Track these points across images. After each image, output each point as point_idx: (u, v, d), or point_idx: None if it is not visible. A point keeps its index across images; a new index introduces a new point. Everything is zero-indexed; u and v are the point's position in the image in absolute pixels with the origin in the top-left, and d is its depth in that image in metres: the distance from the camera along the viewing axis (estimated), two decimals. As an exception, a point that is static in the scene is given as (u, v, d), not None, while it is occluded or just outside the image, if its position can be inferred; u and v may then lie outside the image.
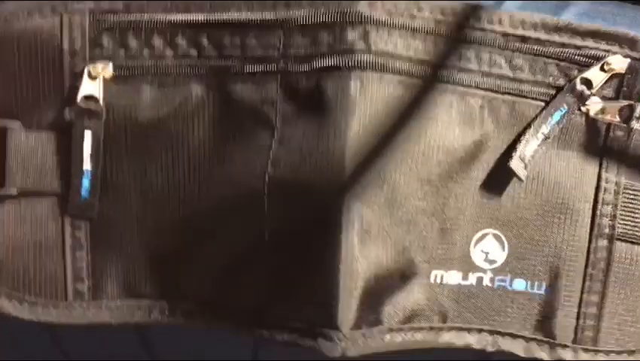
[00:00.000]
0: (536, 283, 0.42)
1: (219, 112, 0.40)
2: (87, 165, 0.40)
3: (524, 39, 0.39)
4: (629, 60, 0.39)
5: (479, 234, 0.41)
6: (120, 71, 0.39)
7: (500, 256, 0.41)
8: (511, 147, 0.40)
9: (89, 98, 0.39)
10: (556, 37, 0.39)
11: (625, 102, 0.39)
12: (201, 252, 0.42)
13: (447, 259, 0.41)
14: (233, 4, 0.39)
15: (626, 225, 0.41)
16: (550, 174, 0.41)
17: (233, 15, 0.39)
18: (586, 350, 0.42)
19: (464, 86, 0.39)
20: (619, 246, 0.41)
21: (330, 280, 0.39)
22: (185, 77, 0.40)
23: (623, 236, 0.41)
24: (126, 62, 0.39)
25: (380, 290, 0.40)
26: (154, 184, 0.41)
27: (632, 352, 0.42)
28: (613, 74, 0.39)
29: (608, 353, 0.42)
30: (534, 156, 0.39)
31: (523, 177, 0.39)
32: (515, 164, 0.39)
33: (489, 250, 0.41)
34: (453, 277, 0.41)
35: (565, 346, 0.42)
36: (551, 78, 0.40)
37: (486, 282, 0.42)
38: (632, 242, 0.41)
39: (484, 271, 0.42)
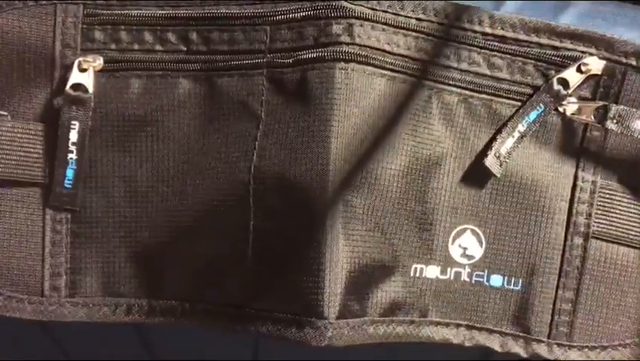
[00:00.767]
0: (512, 279, 0.43)
1: (206, 105, 0.40)
2: (72, 154, 0.40)
3: (503, 39, 0.40)
4: (604, 62, 0.40)
5: (457, 229, 0.42)
6: (110, 64, 0.40)
7: (477, 251, 0.42)
8: (488, 145, 0.41)
9: (78, 87, 0.39)
10: (534, 38, 0.40)
11: (600, 103, 0.40)
12: (186, 246, 0.42)
13: (427, 253, 0.42)
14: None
15: (601, 223, 0.42)
16: (528, 173, 0.41)
17: (220, 10, 0.39)
18: (560, 345, 0.43)
19: (443, 83, 0.40)
20: (594, 244, 0.42)
21: (315, 270, 0.39)
22: (174, 72, 0.40)
23: (598, 234, 0.42)
24: (116, 56, 0.40)
25: (364, 281, 0.41)
26: (139, 177, 0.41)
27: (604, 347, 0.43)
28: (589, 75, 0.40)
29: (581, 348, 0.43)
30: (511, 154, 0.40)
31: (498, 174, 0.40)
32: (490, 161, 0.40)
33: (467, 245, 0.42)
34: (432, 271, 0.42)
35: (540, 341, 0.43)
36: (529, 78, 0.40)
37: (464, 277, 0.42)
38: (607, 240, 0.42)
39: (462, 266, 0.42)
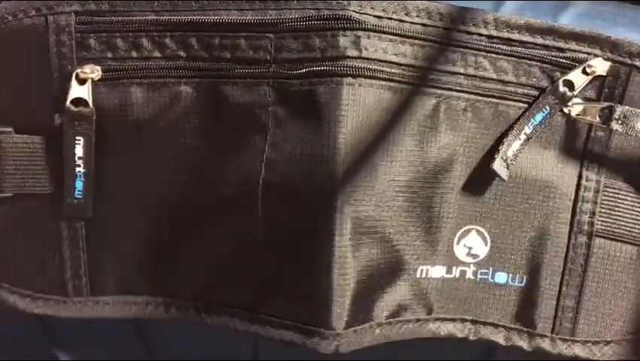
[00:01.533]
0: (517, 276, 0.43)
1: (211, 114, 0.40)
2: (80, 168, 0.40)
3: (509, 41, 0.40)
4: (609, 63, 0.40)
5: (463, 229, 0.42)
6: (109, 74, 0.39)
7: (482, 250, 0.42)
8: (494, 148, 0.41)
9: (78, 101, 0.39)
10: (539, 40, 0.40)
11: (605, 104, 0.40)
12: (193, 251, 0.42)
13: (433, 255, 0.42)
14: (222, 4, 0.38)
15: (604, 222, 0.42)
16: (532, 173, 0.41)
17: (221, 16, 0.38)
18: (563, 340, 0.44)
19: (451, 89, 0.40)
20: (597, 242, 0.42)
21: (324, 282, 0.40)
22: (175, 78, 0.39)
23: (601, 233, 0.42)
24: (114, 64, 0.39)
25: (371, 288, 0.41)
26: (146, 184, 0.41)
27: (607, 342, 0.44)
28: (595, 77, 0.40)
29: (585, 343, 0.44)
30: (517, 156, 0.40)
31: (505, 177, 0.40)
32: (497, 165, 0.40)
33: (472, 245, 0.42)
34: (438, 271, 0.42)
35: (544, 336, 0.44)
36: (535, 80, 0.40)
37: (469, 275, 0.43)
38: (610, 238, 0.42)
39: (467, 265, 0.43)
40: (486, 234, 0.42)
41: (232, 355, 0.49)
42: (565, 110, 0.40)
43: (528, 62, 0.40)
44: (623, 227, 0.42)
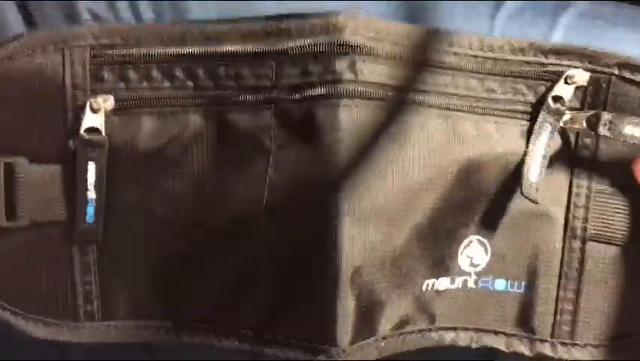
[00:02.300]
0: (516, 282, 0.44)
1: (217, 140, 0.41)
2: (91, 194, 0.41)
3: (493, 60, 0.41)
4: (589, 73, 0.41)
5: (465, 241, 0.43)
6: (121, 103, 0.41)
7: (483, 259, 0.44)
8: (501, 163, 0.42)
9: (91, 130, 0.40)
10: (521, 57, 0.41)
11: (591, 111, 0.41)
12: (201, 275, 0.43)
13: (439, 269, 0.43)
14: (226, 35, 0.40)
15: (597, 226, 0.43)
16: None
17: (226, 47, 0.40)
18: (563, 344, 0.45)
19: (449, 109, 0.41)
20: (591, 246, 0.44)
21: (329, 301, 0.40)
22: (183, 107, 0.41)
23: (595, 237, 0.44)
24: (126, 94, 0.41)
25: (375, 305, 0.42)
26: (156, 210, 0.42)
27: (607, 345, 0.45)
28: (577, 87, 0.42)
29: (584, 346, 0.45)
30: (541, 176, 0.41)
31: (537, 201, 0.41)
32: (527, 191, 0.41)
33: (473, 255, 0.43)
34: (443, 283, 0.43)
35: (544, 341, 0.45)
36: (522, 96, 0.42)
37: (471, 284, 0.44)
38: (604, 242, 0.44)
39: (469, 274, 0.44)
40: (486, 243, 0.43)
41: (232, 355, 0.49)
42: (558, 125, 0.42)
43: (513, 79, 0.42)
44: (616, 231, 0.43)
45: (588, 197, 0.43)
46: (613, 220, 0.44)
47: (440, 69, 0.41)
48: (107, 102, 0.40)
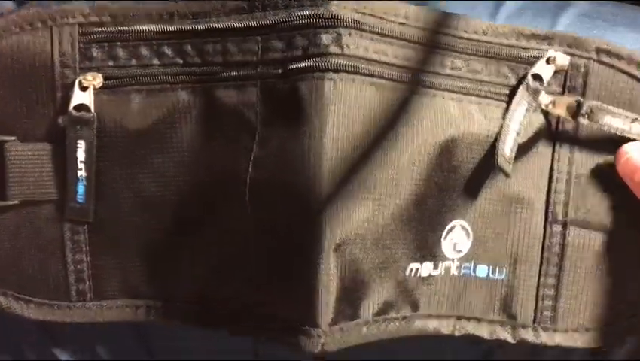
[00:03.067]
0: (497, 268, 0.44)
1: (204, 117, 0.41)
2: (81, 172, 0.42)
3: (477, 42, 0.42)
4: (569, 57, 0.43)
5: (449, 226, 0.43)
6: (110, 81, 0.41)
7: (465, 245, 0.44)
8: (483, 144, 0.42)
9: (80, 107, 0.41)
10: (504, 41, 0.42)
11: (572, 98, 0.42)
12: (190, 253, 0.43)
13: (422, 252, 0.43)
14: (213, 11, 0.40)
15: (577, 211, 0.44)
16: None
17: (213, 23, 0.40)
18: (545, 329, 0.45)
19: (433, 88, 0.41)
20: (572, 231, 0.44)
21: (310, 280, 0.40)
22: (172, 85, 0.41)
23: (575, 222, 0.44)
24: (115, 72, 0.41)
25: (358, 286, 0.42)
26: (146, 188, 0.42)
27: (588, 330, 0.45)
28: (558, 70, 0.43)
29: (566, 331, 0.45)
30: (513, 152, 0.42)
31: (509, 174, 0.41)
32: (501, 162, 0.41)
33: (457, 240, 0.43)
34: (426, 269, 0.43)
35: (526, 326, 0.45)
36: (504, 79, 0.43)
37: (453, 271, 0.44)
38: (584, 227, 0.44)
39: (452, 260, 0.44)
40: (468, 228, 0.43)
41: (232, 355, 0.49)
42: (535, 104, 0.42)
43: (497, 61, 0.42)
44: (594, 215, 0.44)
45: (568, 182, 0.44)
46: (593, 205, 0.44)
47: (426, 47, 0.41)
48: (96, 80, 0.41)
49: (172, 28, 0.41)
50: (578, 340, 0.45)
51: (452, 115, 0.42)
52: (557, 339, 0.45)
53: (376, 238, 0.42)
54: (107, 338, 0.49)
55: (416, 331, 0.44)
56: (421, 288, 0.44)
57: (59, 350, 0.48)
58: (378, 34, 0.40)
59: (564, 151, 0.44)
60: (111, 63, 0.41)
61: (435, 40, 0.41)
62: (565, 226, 0.44)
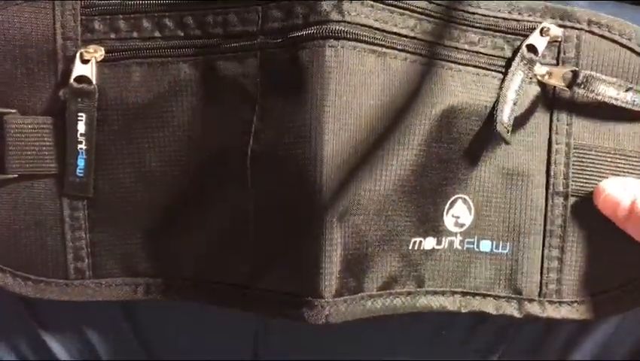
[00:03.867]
0: (500, 243, 0.44)
1: (205, 89, 0.41)
2: (82, 145, 0.42)
3: (473, 15, 0.42)
4: (562, 29, 0.43)
5: (451, 199, 0.43)
6: (112, 54, 0.41)
7: (467, 219, 0.44)
8: (481, 115, 0.42)
9: (81, 79, 0.41)
10: (498, 13, 0.43)
11: (568, 68, 0.43)
12: (190, 228, 0.43)
13: (425, 226, 0.43)
14: None
15: (578, 181, 0.44)
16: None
17: None
18: (551, 303, 0.45)
19: (433, 58, 0.41)
20: (574, 202, 0.44)
21: (313, 251, 0.40)
22: (173, 57, 0.41)
23: (576, 193, 0.44)
24: (116, 45, 0.41)
25: (361, 259, 0.42)
26: (146, 162, 0.42)
27: (591, 298, 0.45)
28: (552, 41, 0.43)
29: (571, 303, 0.45)
30: (511, 119, 0.42)
31: (509, 141, 0.42)
32: (500, 128, 0.41)
33: (459, 214, 0.43)
34: (429, 243, 0.43)
35: (532, 300, 0.45)
36: (500, 50, 0.43)
37: (456, 245, 0.44)
38: (585, 197, 0.44)
39: (454, 234, 0.44)
40: (470, 202, 0.43)
41: (232, 355, 0.48)
42: (531, 74, 0.43)
43: (492, 32, 0.43)
44: (594, 185, 0.44)
45: (567, 153, 0.44)
46: (593, 174, 0.44)
47: (426, 17, 0.41)
48: (97, 52, 0.41)
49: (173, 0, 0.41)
50: (584, 311, 0.45)
51: (451, 85, 0.42)
52: (563, 312, 0.45)
53: (378, 208, 0.41)
54: (103, 337, 0.48)
55: (422, 307, 0.44)
56: (425, 263, 0.44)
57: (47, 335, 0.48)
58: (379, 1, 0.40)
59: (561, 122, 0.44)
60: (112, 35, 0.42)
61: (434, 10, 0.42)
62: (566, 197, 0.44)
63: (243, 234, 0.42)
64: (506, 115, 0.42)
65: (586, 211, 0.44)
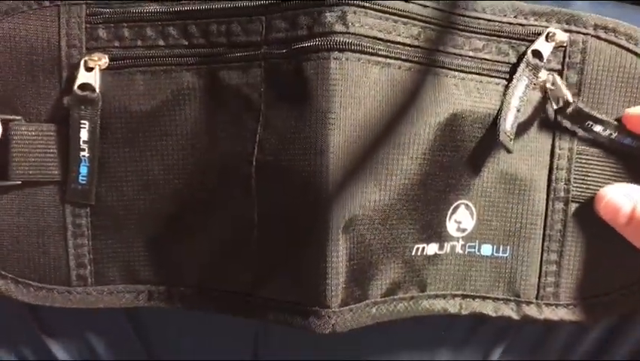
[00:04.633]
0: (501, 247, 0.45)
1: (209, 98, 0.41)
2: (84, 152, 0.41)
3: (477, 20, 0.42)
4: (567, 34, 0.43)
5: (454, 205, 0.43)
6: (116, 62, 0.41)
7: (469, 224, 0.44)
8: (484, 122, 0.42)
9: (85, 87, 0.41)
10: (503, 18, 0.43)
11: (566, 91, 0.43)
12: (193, 236, 0.43)
13: (428, 232, 0.43)
14: None
15: (579, 187, 0.44)
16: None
17: (218, 4, 0.40)
18: (548, 305, 0.45)
19: (437, 66, 0.41)
20: (574, 207, 0.45)
21: (319, 262, 0.40)
22: (177, 66, 0.41)
23: (576, 198, 0.45)
24: (120, 53, 0.41)
25: (366, 266, 0.42)
26: (149, 170, 0.42)
27: (587, 300, 0.46)
28: (557, 46, 0.43)
29: (567, 305, 0.46)
30: (514, 128, 0.42)
31: (511, 149, 0.42)
32: (503, 137, 0.41)
33: (461, 219, 0.44)
34: (432, 249, 0.44)
35: (530, 303, 0.45)
36: (505, 56, 0.43)
37: (458, 249, 0.44)
38: (585, 203, 0.45)
39: (457, 239, 0.44)
40: (472, 207, 0.44)
41: (232, 355, 0.49)
42: (535, 80, 0.43)
43: (497, 38, 0.43)
44: (596, 190, 0.44)
45: (570, 158, 0.44)
46: (594, 181, 0.45)
47: (430, 25, 0.41)
48: (101, 60, 0.41)
49: (177, 8, 0.41)
50: (580, 314, 0.46)
51: (455, 93, 0.42)
52: (560, 314, 0.46)
53: (382, 218, 0.42)
54: (105, 337, 0.48)
55: (424, 311, 0.45)
56: (427, 268, 0.44)
57: (48, 336, 0.48)
58: (382, 12, 0.40)
59: (565, 128, 0.44)
60: (116, 44, 0.41)
61: (438, 18, 0.41)
62: (566, 202, 0.45)
63: (246, 242, 0.42)
64: (509, 123, 0.42)
65: (585, 217, 0.45)
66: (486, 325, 0.48)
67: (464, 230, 0.44)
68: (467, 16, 0.42)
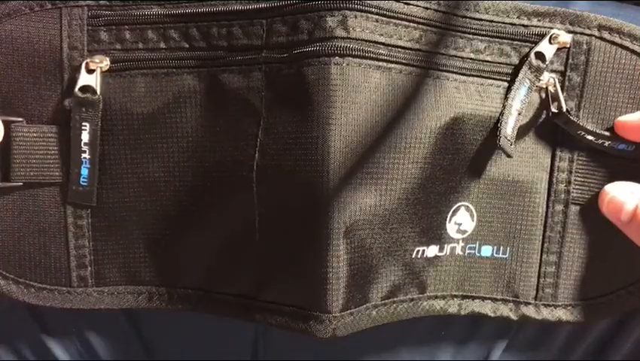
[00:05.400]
0: (501, 248, 0.45)
1: (209, 101, 0.41)
2: (85, 154, 0.41)
3: (479, 21, 0.42)
4: (571, 35, 0.43)
5: (454, 207, 0.43)
6: (117, 64, 0.41)
7: (470, 225, 0.44)
8: (485, 125, 0.42)
9: (86, 89, 0.41)
10: (505, 19, 0.42)
11: (560, 102, 0.43)
12: (194, 238, 0.43)
13: (428, 235, 0.43)
14: None
15: (579, 189, 0.44)
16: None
17: (219, 7, 0.40)
18: (546, 306, 0.46)
19: (437, 69, 0.41)
20: (573, 209, 0.45)
21: (320, 267, 0.40)
22: (178, 69, 0.41)
23: (576, 200, 0.45)
24: (121, 55, 0.41)
25: (367, 270, 0.42)
26: (150, 172, 0.42)
27: (586, 301, 0.46)
28: (560, 48, 0.43)
29: (566, 306, 0.46)
30: (515, 131, 0.42)
31: (512, 154, 0.42)
32: (503, 142, 0.41)
33: (461, 221, 0.44)
34: (432, 251, 0.44)
35: (528, 303, 0.46)
36: (507, 58, 0.43)
37: (458, 251, 0.44)
38: (585, 205, 0.45)
39: (457, 241, 0.44)
40: (472, 209, 0.44)
41: (232, 355, 0.49)
42: (538, 82, 0.42)
43: (499, 40, 0.42)
44: (595, 193, 0.44)
45: (571, 160, 0.44)
46: (595, 183, 0.45)
47: (431, 28, 0.41)
48: (103, 63, 0.41)
49: (179, 11, 0.41)
50: (578, 314, 0.46)
51: (457, 97, 0.42)
52: (558, 314, 0.46)
53: (383, 222, 0.42)
54: (104, 337, 0.48)
55: (424, 312, 0.45)
56: (427, 270, 0.44)
57: (48, 336, 0.48)
58: (383, 15, 0.40)
59: (566, 130, 0.44)
60: (118, 46, 0.41)
61: (440, 20, 0.41)
62: (566, 204, 0.45)
63: (247, 246, 0.42)
64: (510, 127, 0.42)
65: (585, 219, 0.45)
66: (487, 325, 0.48)
67: (464, 232, 0.44)
68: (469, 18, 0.42)
